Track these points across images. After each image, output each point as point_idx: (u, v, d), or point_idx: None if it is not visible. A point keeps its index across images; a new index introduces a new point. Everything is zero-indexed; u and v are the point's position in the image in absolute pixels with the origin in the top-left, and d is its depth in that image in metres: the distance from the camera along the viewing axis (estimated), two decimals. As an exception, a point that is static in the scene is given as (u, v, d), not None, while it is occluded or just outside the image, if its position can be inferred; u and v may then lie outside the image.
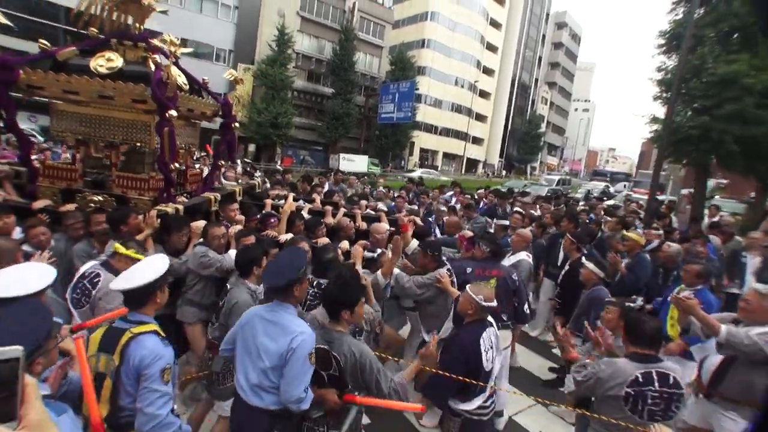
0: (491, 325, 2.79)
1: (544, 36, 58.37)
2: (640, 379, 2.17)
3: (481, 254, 3.90)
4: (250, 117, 26.58)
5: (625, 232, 5.44)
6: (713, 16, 17.13)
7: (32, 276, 1.72)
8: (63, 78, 4.01)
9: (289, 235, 4.08)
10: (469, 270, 3.79)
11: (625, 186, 30.03)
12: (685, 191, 21.28)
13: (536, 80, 58.35)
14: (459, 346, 2.65)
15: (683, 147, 18.52)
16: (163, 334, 1.98)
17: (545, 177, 30.86)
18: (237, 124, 5.40)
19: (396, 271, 3.60)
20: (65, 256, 3.45)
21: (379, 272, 3.43)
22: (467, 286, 2.76)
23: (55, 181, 4.30)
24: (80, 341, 1.76)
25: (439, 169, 40.35)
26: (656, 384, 2.16)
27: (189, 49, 4.73)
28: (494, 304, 2.68)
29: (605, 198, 19.45)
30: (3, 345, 0.69)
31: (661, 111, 17.26)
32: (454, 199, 8.81)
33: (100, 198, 4.14)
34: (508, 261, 4.57)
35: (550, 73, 63.07)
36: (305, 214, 4.85)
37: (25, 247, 3.13)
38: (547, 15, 58.08)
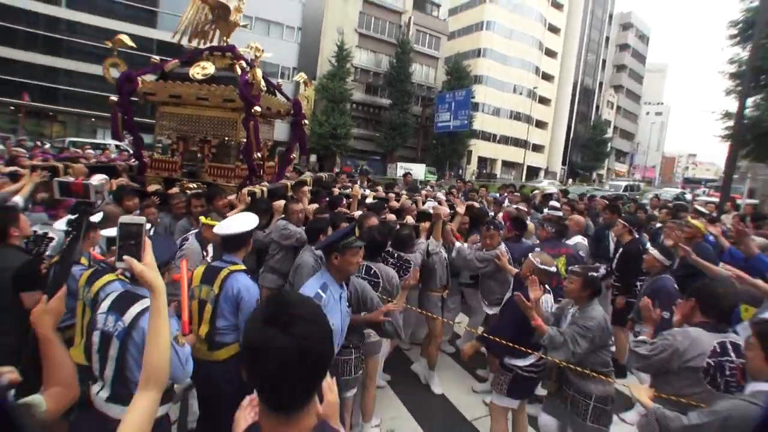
0: (548, 291, 2.92)
1: (607, 38, 55.49)
2: (718, 350, 2.08)
3: (546, 234, 4.22)
4: (312, 129, 28.07)
5: (689, 219, 5.13)
6: None
7: (247, 220, 2.58)
8: (169, 84, 4.79)
9: (360, 212, 4.48)
10: (537, 250, 3.92)
11: (703, 192, 27.47)
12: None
13: (600, 84, 55.44)
14: (515, 306, 2.81)
15: (763, 142, 16.81)
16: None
17: (611, 183, 29.22)
18: (306, 121, 6.00)
19: (458, 244, 3.93)
20: (169, 229, 4.13)
21: (431, 238, 3.82)
22: (530, 254, 2.94)
23: (159, 172, 5.10)
24: (184, 261, 2.26)
25: (498, 177, 39.61)
26: (732, 354, 2.08)
27: (269, 54, 5.38)
28: (553, 268, 2.85)
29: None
30: (156, 254, 1.16)
31: (734, 106, 15.64)
32: (506, 201, 8.87)
33: (195, 185, 4.85)
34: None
35: (616, 76, 59.59)
36: (370, 200, 5.39)
37: None
38: (610, 16, 55.25)
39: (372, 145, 32.59)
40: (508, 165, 43.58)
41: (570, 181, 47.36)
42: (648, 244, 4.36)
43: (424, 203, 5.63)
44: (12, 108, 26.05)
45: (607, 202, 6.68)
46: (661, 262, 3.57)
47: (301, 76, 6.10)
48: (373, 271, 3.09)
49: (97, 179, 4.37)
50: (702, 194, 25.55)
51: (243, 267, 2.46)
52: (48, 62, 26.99)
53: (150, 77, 4.97)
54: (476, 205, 5.66)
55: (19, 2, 25.66)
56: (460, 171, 32.03)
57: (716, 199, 15.61)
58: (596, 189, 24.70)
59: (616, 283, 4.60)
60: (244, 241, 2.53)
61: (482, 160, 41.12)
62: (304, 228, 3.78)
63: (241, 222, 2.57)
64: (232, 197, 4.35)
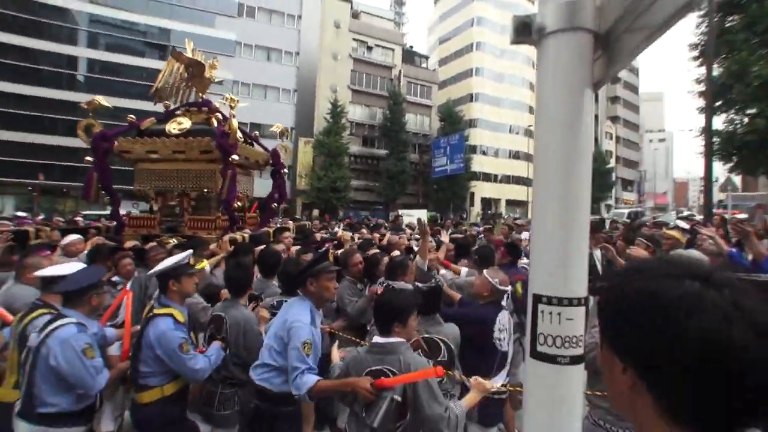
0: (505, 308, 2.85)
1: (596, 72, 57.58)
2: None
3: (500, 258, 4.21)
4: (312, 184, 28.58)
5: (665, 230, 5.35)
6: (746, 20, 16.70)
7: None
8: (146, 141, 4.82)
9: (345, 249, 4.44)
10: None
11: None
12: (753, 203, 19.12)
13: (596, 116, 56.63)
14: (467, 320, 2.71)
15: (745, 155, 17.08)
16: (180, 318, 2.32)
17: (614, 211, 29.45)
18: (286, 171, 6.00)
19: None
20: (144, 284, 3.91)
21: (417, 257, 3.71)
22: (484, 270, 2.90)
23: (137, 229, 5.00)
24: (129, 294, 2.13)
25: (503, 216, 39.33)
26: None
27: (245, 104, 5.49)
28: (509, 288, 2.82)
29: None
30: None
31: (716, 122, 16.02)
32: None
33: (175, 240, 4.72)
34: None
35: (611, 107, 60.90)
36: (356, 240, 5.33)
37: (114, 278, 3.71)
38: (596, 53, 57.68)
39: (373, 196, 32.96)
40: (513, 204, 43.50)
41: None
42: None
43: (409, 239, 5.47)
44: (29, 188, 27.13)
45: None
46: None
47: (278, 127, 6.19)
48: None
49: (70, 239, 4.30)
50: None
51: (172, 311, 2.30)
52: (66, 143, 28.48)
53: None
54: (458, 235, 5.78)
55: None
56: (464, 214, 31.91)
57: (742, 216, 15.38)
58: (592, 217, 24.91)
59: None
60: (166, 278, 2.38)
61: (486, 201, 41.14)
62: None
63: (166, 260, 2.46)
64: (213, 246, 4.22)
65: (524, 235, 8.61)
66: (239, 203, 5.10)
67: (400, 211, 28.52)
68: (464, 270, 4.17)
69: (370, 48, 35.02)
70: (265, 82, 31.64)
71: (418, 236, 6.15)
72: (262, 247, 4.24)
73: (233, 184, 4.72)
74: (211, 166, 4.88)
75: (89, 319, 2.33)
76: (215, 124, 4.99)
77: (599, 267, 4.95)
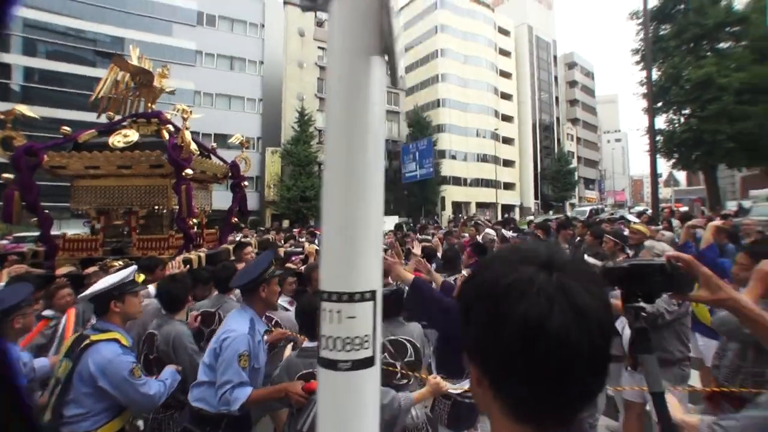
0: None
1: (556, 77, 59.58)
2: None
3: (468, 261, 4.20)
4: (281, 195, 27.98)
5: (632, 225, 5.58)
6: (676, 29, 18.39)
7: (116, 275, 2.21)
8: (84, 155, 4.37)
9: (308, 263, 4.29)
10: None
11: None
12: (693, 197, 20.78)
13: (558, 119, 58.63)
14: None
15: (684, 153, 18.64)
16: (125, 342, 2.02)
17: (576, 210, 30.10)
18: (246, 183, 5.68)
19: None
20: (84, 316, 3.47)
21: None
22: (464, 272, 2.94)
23: (75, 253, 4.53)
24: (72, 312, 2.20)
25: (475, 219, 39.84)
26: None
27: (198, 116, 5.17)
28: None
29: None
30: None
31: (658, 122, 17.68)
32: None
33: (121, 263, 4.28)
34: None
35: (571, 110, 63.31)
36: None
37: (46, 312, 3.21)
38: (555, 58, 59.78)
39: (344, 203, 32.62)
40: (483, 206, 44.19)
41: (543, 213, 48.24)
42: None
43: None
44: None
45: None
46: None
47: (237, 138, 5.84)
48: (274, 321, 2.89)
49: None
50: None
51: (116, 335, 1.99)
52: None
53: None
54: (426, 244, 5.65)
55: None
56: (436, 217, 32.08)
57: (684, 208, 16.38)
58: (556, 216, 25.46)
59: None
60: (104, 300, 2.08)
61: (457, 205, 41.62)
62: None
63: (105, 279, 2.16)
64: (165, 270, 3.84)
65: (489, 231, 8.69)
66: (195, 220, 4.71)
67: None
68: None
69: (335, 56, 34.86)
70: (228, 91, 30.83)
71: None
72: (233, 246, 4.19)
73: (189, 200, 4.36)
74: (163, 182, 4.54)
75: (13, 346, 2.07)
76: (166, 136, 4.56)
77: None
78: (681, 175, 42.65)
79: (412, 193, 33.82)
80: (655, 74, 18.25)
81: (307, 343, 2.07)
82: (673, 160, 19.94)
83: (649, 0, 13.54)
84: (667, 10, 18.92)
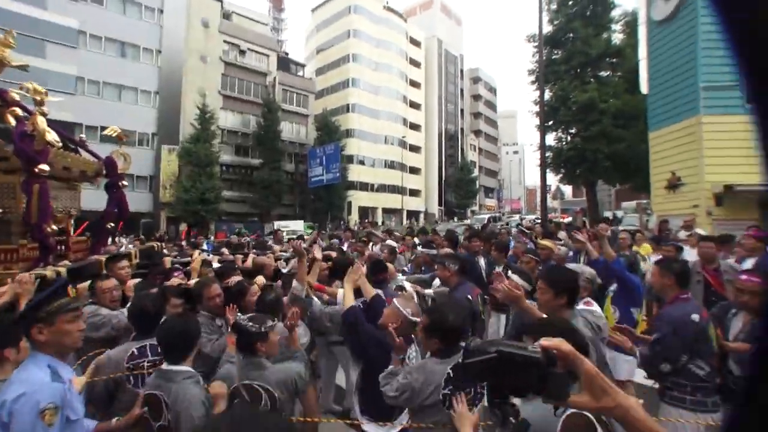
0: (414, 342, 2.54)
1: (462, 90, 63.94)
2: (452, 375, 1.97)
3: (449, 275, 3.72)
4: (178, 196, 26.40)
5: (540, 240, 5.75)
6: (565, 55, 21.19)
7: None
8: None
9: (195, 280, 3.79)
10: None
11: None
12: (577, 208, 23.74)
13: (462, 130, 63.06)
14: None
15: (569, 168, 21.51)
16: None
17: (475, 217, 32.66)
18: (125, 183, 5.04)
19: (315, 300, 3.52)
20: None
21: (294, 281, 3.33)
22: (394, 299, 2.49)
23: None
24: None
25: (380, 224, 41.35)
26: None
27: (58, 99, 4.60)
28: (419, 319, 2.29)
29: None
30: None
31: (549, 139, 19.96)
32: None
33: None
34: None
35: (474, 122, 68.51)
36: (215, 264, 4.76)
37: None
38: (462, 71, 64.15)
39: (246, 207, 31.65)
40: (389, 212, 45.94)
41: (446, 219, 51.73)
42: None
43: (277, 260, 5.25)
44: None
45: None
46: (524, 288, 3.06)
47: (113, 130, 5.00)
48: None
49: None
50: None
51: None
52: None
53: None
54: (332, 254, 5.12)
55: None
56: (342, 222, 32.77)
57: (568, 219, 18.70)
58: (461, 225, 27.05)
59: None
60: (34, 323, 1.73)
61: (363, 210, 42.75)
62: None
63: None
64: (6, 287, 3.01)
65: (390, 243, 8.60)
66: (58, 226, 4.02)
67: (276, 223, 28.15)
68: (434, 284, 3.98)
69: (243, 52, 33.54)
70: (119, 80, 27.93)
71: (286, 253, 5.99)
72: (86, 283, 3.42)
73: (45, 201, 3.59)
74: (10, 179, 3.78)
75: None
76: (12, 122, 3.68)
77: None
78: (567, 189, 48.89)
79: (318, 197, 33.98)
80: (548, 95, 20.05)
81: (165, 366, 2.00)
82: (560, 175, 22.07)
83: (545, 27, 15.01)
84: (559, 37, 20.93)
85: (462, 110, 63.47)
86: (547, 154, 19.43)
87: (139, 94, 28.84)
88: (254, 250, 6.76)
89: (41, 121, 3.55)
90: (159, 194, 27.94)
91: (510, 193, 76.83)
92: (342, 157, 32.88)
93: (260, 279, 3.78)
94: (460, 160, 59.13)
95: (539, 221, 15.91)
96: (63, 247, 4.44)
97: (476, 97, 68.66)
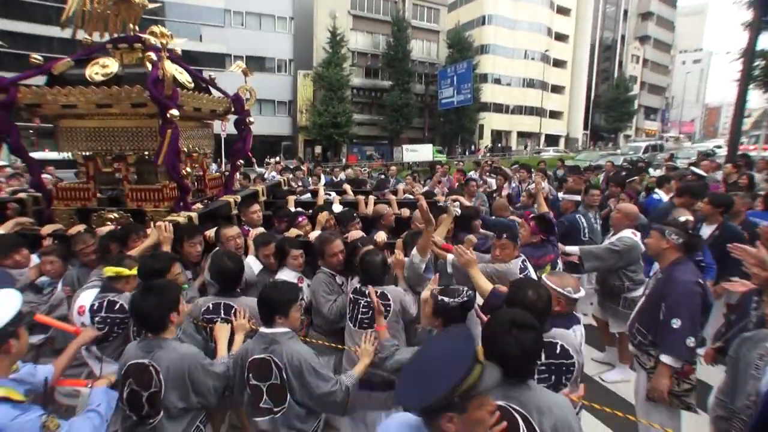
0: (578, 321, 2.21)
1: (630, -16, 51.25)
2: None
3: (529, 237, 3.34)
4: (313, 120, 27.15)
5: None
6: None
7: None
8: (58, 91, 3.76)
9: (317, 233, 3.52)
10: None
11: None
12: None
13: (623, 37, 51.60)
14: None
15: None
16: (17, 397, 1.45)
17: (629, 145, 25.51)
18: (251, 119, 4.93)
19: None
20: (78, 284, 3.03)
21: (414, 250, 2.74)
22: (544, 277, 2.22)
23: (69, 202, 4.12)
24: None
25: (513, 149, 37.73)
26: None
27: (182, 40, 4.32)
28: (582, 293, 2.15)
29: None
30: None
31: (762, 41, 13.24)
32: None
33: (116, 215, 3.89)
34: (607, 239, 3.92)
35: (641, 25, 55.12)
36: (337, 206, 4.35)
37: (40, 280, 2.93)
38: (630, -40, 50.90)
39: (377, 130, 31.48)
40: (524, 136, 41.41)
41: (591, 145, 44.76)
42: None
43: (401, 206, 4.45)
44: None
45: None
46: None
47: (239, 66, 4.97)
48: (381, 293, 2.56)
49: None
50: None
51: (3, 391, 1.43)
52: None
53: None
54: (463, 200, 4.47)
55: None
56: (473, 147, 30.41)
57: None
58: (611, 154, 21.96)
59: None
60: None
61: (496, 134, 39.16)
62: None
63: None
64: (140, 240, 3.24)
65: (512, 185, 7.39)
66: (191, 168, 4.12)
67: (404, 147, 27.25)
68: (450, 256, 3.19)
69: (372, -35, 31.25)
70: (259, 9, 28.75)
71: (410, 196, 5.19)
72: (214, 230, 3.40)
73: (174, 144, 3.64)
74: (150, 123, 3.84)
75: None
76: (149, 66, 3.66)
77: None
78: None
79: (448, 120, 31.97)
80: None
81: (263, 329, 2.04)
82: None
83: None
84: None
85: (625, 11, 51.35)
86: (756, 63, 13.27)
87: (276, 21, 29.38)
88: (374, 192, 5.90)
89: (169, 65, 3.53)
90: (297, 118, 29.17)
91: (680, 113, 62.16)
92: (475, 77, 29.61)
93: (381, 235, 3.47)
94: (616, 75, 49.19)
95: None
96: (201, 185, 4.67)
97: (647, -8, 54.36)
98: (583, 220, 4.44)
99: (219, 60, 26.16)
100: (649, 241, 2.72)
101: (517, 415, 1.33)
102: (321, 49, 28.19)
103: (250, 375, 1.98)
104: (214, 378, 1.98)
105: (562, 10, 43.22)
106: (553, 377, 1.82)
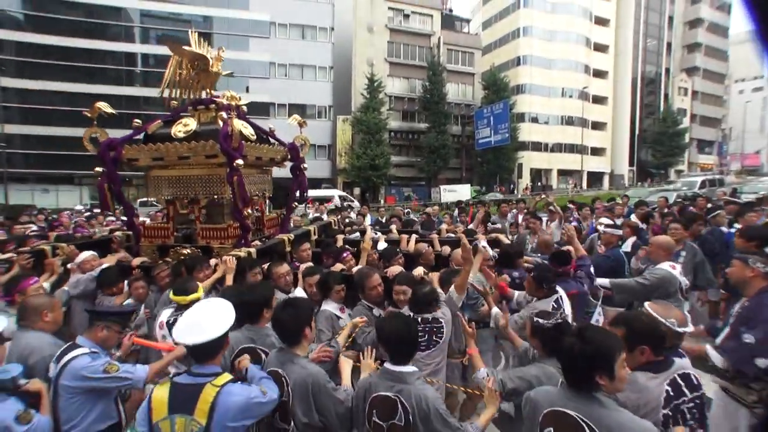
0: (683, 355, 2.09)
1: (671, 18, 50.51)
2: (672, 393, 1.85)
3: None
4: (351, 163, 28.34)
5: None
6: None
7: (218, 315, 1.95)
8: (150, 147, 4.55)
9: (359, 267, 3.81)
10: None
11: None
12: None
13: (667, 70, 50.44)
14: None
15: None
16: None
17: (683, 180, 23.67)
18: (305, 166, 5.54)
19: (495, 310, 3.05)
20: (152, 306, 3.72)
21: (452, 288, 2.94)
22: (646, 304, 2.20)
23: (153, 239, 4.82)
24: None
25: (554, 188, 37.09)
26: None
27: (249, 100, 5.09)
28: (690, 328, 2.12)
29: None
30: None
31: None
32: (520, 218, 7.69)
33: (188, 251, 4.48)
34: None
35: (687, 57, 53.38)
36: (382, 243, 4.72)
37: (128, 302, 3.56)
38: (671, -8, 50.03)
39: (414, 171, 32.27)
40: (565, 173, 40.69)
41: (638, 182, 43.05)
42: None
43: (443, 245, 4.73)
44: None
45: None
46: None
47: (295, 118, 5.68)
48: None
49: (83, 257, 4.17)
50: None
51: (227, 375, 1.84)
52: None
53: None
54: (502, 238, 4.66)
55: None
56: (512, 186, 30.32)
57: None
58: (662, 190, 20.76)
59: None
60: (221, 344, 1.90)
61: (536, 172, 38.80)
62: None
63: (212, 323, 1.86)
64: (208, 270, 3.71)
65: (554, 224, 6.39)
66: (251, 210, 4.72)
67: (442, 187, 27.72)
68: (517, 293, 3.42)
69: (407, 16, 33.37)
70: (301, 61, 31.29)
71: (451, 235, 5.45)
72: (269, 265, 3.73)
73: (242, 189, 4.30)
74: (220, 171, 4.51)
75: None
76: (221, 123, 4.41)
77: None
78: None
79: (485, 160, 32.25)
80: None
81: (389, 366, 2.01)
82: None
83: None
84: None
85: (668, 44, 50.35)
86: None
87: (317, 70, 31.69)
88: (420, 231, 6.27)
89: (237, 122, 4.19)
90: (336, 161, 30.58)
91: (742, 145, 58.33)
92: (512, 116, 30.07)
93: (419, 271, 3.56)
94: (662, 108, 47.78)
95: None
96: (260, 225, 5.17)
97: (693, 23, 52.54)
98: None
99: (264, 109, 28.39)
100: (731, 271, 2.67)
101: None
102: (359, 95, 29.91)
103: (374, 411, 1.96)
104: (336, 403, 2.05)
105: (600, 47, 43.36)
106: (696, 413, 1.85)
